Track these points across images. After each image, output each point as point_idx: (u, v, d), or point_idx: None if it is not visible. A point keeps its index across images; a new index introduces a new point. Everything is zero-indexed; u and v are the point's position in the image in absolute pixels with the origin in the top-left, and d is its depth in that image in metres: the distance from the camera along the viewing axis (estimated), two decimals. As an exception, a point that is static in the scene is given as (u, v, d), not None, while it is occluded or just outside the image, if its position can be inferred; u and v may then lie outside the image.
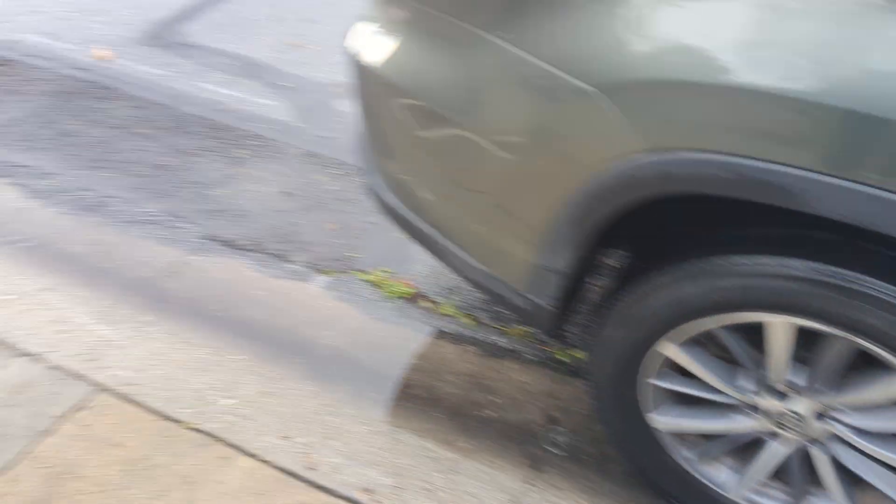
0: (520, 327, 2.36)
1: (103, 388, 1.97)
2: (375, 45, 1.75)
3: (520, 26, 1.37)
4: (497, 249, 1.65)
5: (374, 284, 2.51)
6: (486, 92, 1.47)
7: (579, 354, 2.27)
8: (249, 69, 3.67)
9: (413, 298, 2.47)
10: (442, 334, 2.34)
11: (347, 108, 3.40)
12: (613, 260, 1.83)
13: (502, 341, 2.32)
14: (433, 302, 2.46)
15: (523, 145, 1.43)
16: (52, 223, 2.73)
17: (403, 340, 2.31)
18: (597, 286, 1.93)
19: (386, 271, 2.56)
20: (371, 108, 1.87)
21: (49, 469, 1.74)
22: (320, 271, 2.55)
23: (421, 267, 2.60)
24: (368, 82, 1.80)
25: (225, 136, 3.21)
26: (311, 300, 2.45)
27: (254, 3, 4.31)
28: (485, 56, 1.44)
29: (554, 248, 1.50)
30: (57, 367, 2.02)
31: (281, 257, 2.60)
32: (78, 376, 1.99)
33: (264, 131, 3.24)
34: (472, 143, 1.54)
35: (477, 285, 1.82)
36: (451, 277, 2.55)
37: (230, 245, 2.64)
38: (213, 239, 2.67)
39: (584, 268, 1.60)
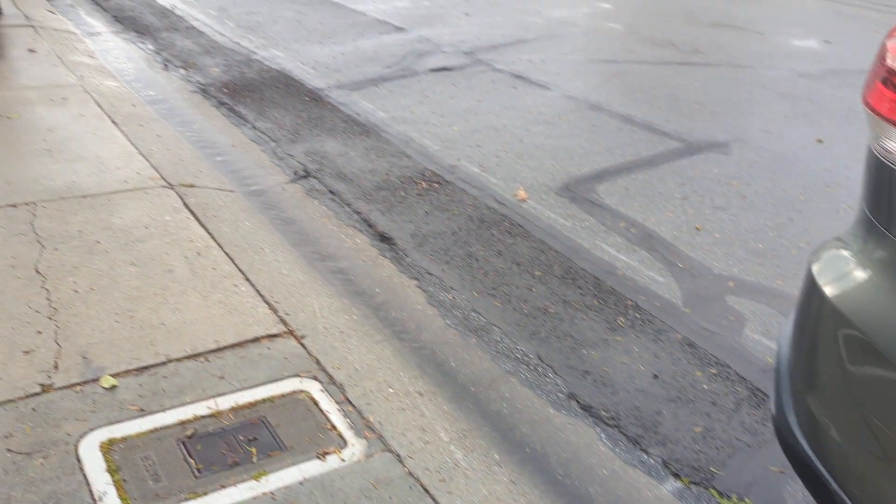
0: None
1: (445, 514, 2.02)
2: (842, 273, 1.60)
3: None
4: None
5: (731, 513, 2.23)
6: None
7: None
8: (647, 241, 3.72)
9: (773, 548, 2.13)
10: None
11: (739, 308, 3.22)
12: None
13: None
14: (798, 563, 2.09)
15: None
16: (439, 333, 3.00)
17: None
18: None
19: (748, 504, 2.27)
20: (812, 335, 1.69)
21: (381, 576, 1.81)
22: (674, 474, 2.36)
23: (791, 514, 2.25)
24: (821, 309, 1.64)
25: (609, 299, 3.24)
26: (656, 503, 2.26)
27: (664, 178, 4.41)
28: None
29: None
30: (412, 476, 2.13)
31: (636, 443, 2.47)
32: (427, 493, 2.08)
33: (648, 306, 3.20)
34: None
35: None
36: (827, 543, 2.15)
37: (589, 411, 2.60)
38: (574, 398, 2.66)
39: None
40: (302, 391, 2.40)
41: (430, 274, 3.39)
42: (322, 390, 2.42)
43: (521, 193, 4.16)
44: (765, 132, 5.20)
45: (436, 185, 4.23)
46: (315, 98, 5.42)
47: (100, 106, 4.50)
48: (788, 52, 7.50)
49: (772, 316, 3.17)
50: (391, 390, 2.50)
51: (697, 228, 3.85)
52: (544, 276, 3.40)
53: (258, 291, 2.90)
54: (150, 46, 6.44)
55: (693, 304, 3.23)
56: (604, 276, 3.42)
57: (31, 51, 5.37)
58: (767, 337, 3.03)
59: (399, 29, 7.44)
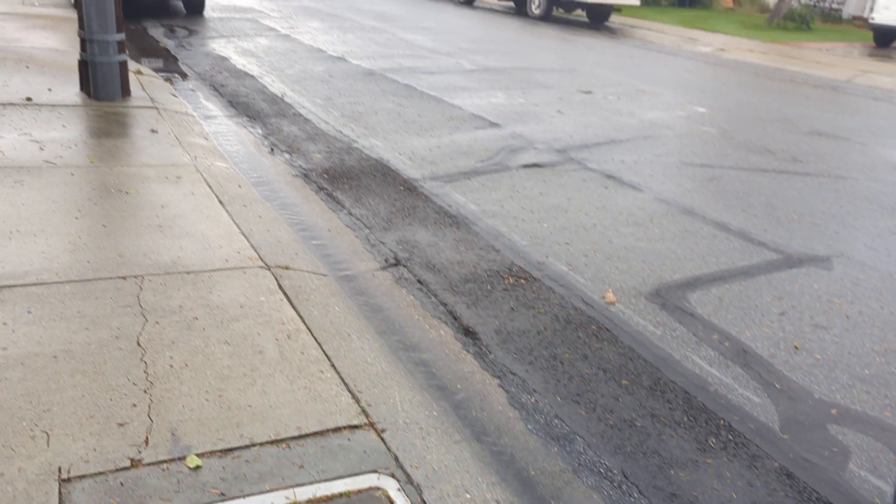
0: None
1: None
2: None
3: None
4: None
5: None
6: None
7: None
8: (741, 356, 3.56)
9: None
10: None
11: (843, 439, 3.00)
12: None
13: None
14: None
15: None
16: (520, 437, 2.92)
17: None
18: None
19: None
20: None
21: None
22: None
23: None
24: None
25: (700, 417, 3.09)
26: None
27: (760, 291, 4.25)
28: None
29: None
30: None
31: (728, 581, 2.29)
32: None
33: (742, 428, 3.03)
34: None
35: None
36: None
37: (676, 539, 2.45)
38: (660, 523, 2.51)
39: None
40: (379, 488, 2.36)
41: (512, 374, 3.34)
42: (399, 489, 2.38)
43: (610, 296, 4.09)
44: (870, 248, 4.98)
45: (522, 281, 4.22)
46: (409, 188, 5.58)
47: (209, 186, 4.77)
48: (893, 165, 7.25)
49: (880, 452, 2.93)
50: (468, 496, 2.43)
51: (796, 347, 3.66)
52: (631, 386, 3.29)
53: (342, 379, 2.92)
54: (260, 131, 6.85)
55: (792, 431, 3.04)
56: (695, 390, 3.28)
57: (153, 131, 5.79)
58: (875, 475, 2.80)
59: (493, 124, 7.65)
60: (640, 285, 4.24)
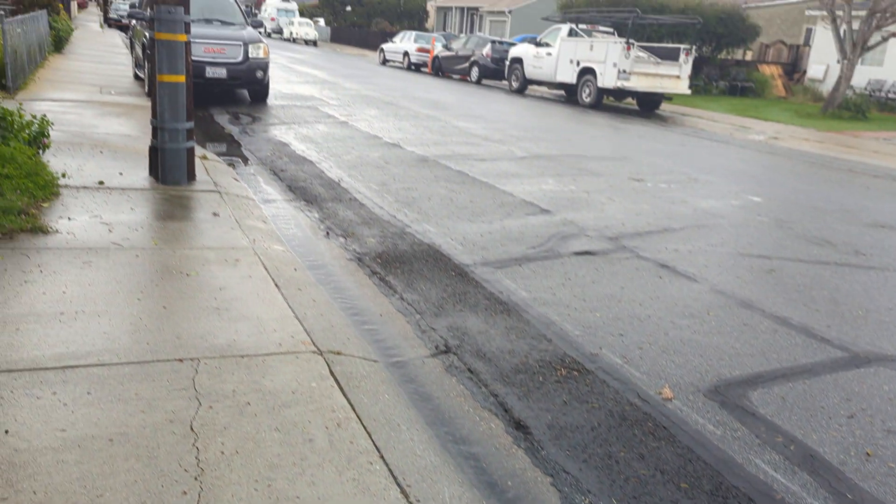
0: None
1: None
2: None
3: None
4: None
5: None
6: None
7: None
8: (809, 462, 3.37)
9: None
10: None
11: (926, 558, 2.78)
12: None
13: None
14: None
15: None
16: (574, 542, 2.79)
17: None
18: None
19: None
20: None
21: None
22: None
23: None
24: None
25: (766, 527, 2.92)
26: None
27: (826, 391, 4.07)
28: None
29: None
30: None
31: None
32: None
33: (813, 542, 2.84)
34: None
35: None
36: None
37: None
38: None
39: None
40: None
41: (566, 472, 3.23)
42: None
43: (667, 392, 3.96)
44: (943, 348, 4.74)
45: (575, 373, 4.14)
46: (461, 273, 5.61)
47: (266, 269, 4.88)
48: (964, 259, 6.98)
49: (969, 575, 2.71)
50: None
51: (868, 454, 3.46)
52: (691, 490, 3.13)
53: (391, 471, 2.87)
54: (316, 215, 7.03)
55: (868, 547, 2.83)
56: (759, 497, 3.10)
57: (215, 214, 6.00)
58: None
59: (545, 211, 7.70)
60: (698, 381, 4.10)
